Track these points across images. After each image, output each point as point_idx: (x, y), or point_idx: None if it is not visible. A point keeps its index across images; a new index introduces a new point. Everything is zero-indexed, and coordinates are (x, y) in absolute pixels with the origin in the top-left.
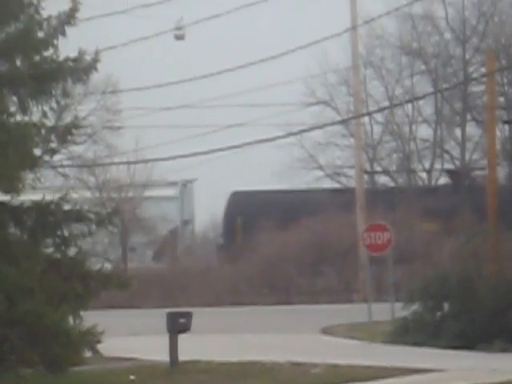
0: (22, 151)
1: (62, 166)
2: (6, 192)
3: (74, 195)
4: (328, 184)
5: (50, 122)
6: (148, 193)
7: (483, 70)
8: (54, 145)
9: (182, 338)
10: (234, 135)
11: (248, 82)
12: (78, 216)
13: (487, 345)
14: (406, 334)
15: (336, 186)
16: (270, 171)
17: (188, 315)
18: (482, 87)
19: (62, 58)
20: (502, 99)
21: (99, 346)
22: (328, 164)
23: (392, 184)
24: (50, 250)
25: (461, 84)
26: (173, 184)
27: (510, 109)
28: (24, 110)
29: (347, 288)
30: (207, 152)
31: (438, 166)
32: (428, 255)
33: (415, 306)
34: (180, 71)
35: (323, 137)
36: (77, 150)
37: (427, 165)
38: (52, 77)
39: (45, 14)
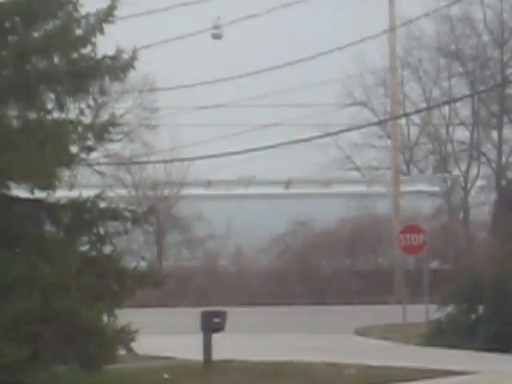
0: (59, 148)
1: (99, 163)
2: (43, 189)
3: (111, 193)
4: None
5: (86, 119)
6: (184, 192)
7: None
8: (90, 142)
9: (216, 338)
10: (268, 135)
11: (286, 82)
12: (113, 214)
13: None
14: (440, 335)
15: None
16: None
17: (222, 314)
18: None
19: (99, 55)
20: None
21: (133, 345)
22: (364, 165)
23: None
24: (86, 247)
25: (498, 86)
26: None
27: None
28: (61, 107)
29: (382, 290)
30: (240, 152)
31: (474, 168)
32: (464, 257)
33: (449, 308)
34: (216, 70)
35: (360, 138)
36: (113, 147)
37: (464, 167)
38: (89, 74)
39: (83, 11)
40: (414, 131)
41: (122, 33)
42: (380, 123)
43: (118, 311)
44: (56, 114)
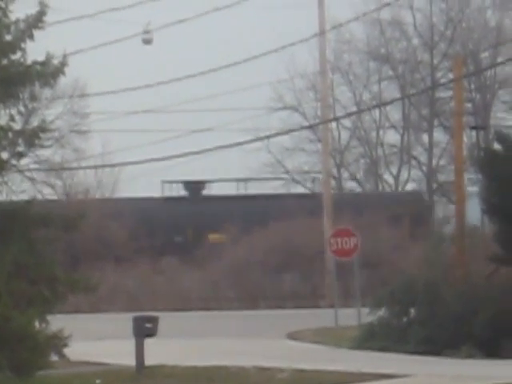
0: None
1: (30, 169)
2: None
3: (41, 199)
4: (295, 189)
5: (17, 125)
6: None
7: (451, 75)
8: (21, 148)
9: (149, 343)
10: (201, 140)
11: (215, 86)
12: (45, 220)
13: (453, 351)
14: (372, 339)
15: (303, 191)
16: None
17: (154, 320)
18: (449, 93)
19: (29, 61)
20: (469, 105)
21: (66, 350)
22: (295, 169)
23: (359, 189)
24: (17, 253)
25: (428, 90)
26: None
27: (478, 115)
28: None
29: (314, 293)
30: (167, 158)
31: (405, 171)
32: (395, 261)
33: (381, 312)
34: (147, 76)
35: (291, 142)
36: (44, 153)
37: (394, 170)
38: (19, 80)
39: (13, 17)
40: (344, 135)
41: (52, 39)
42: (310, 127)
43: (50, 317)
44: None
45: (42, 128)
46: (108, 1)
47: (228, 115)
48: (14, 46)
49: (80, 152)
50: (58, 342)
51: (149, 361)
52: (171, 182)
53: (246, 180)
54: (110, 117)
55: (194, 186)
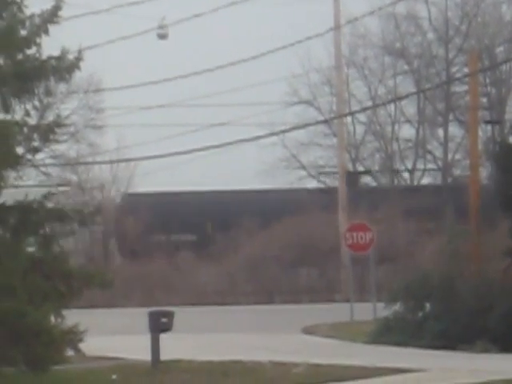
0: (4, 150)
1: (45, 164)
2: None
3: (57, 194)
4: (311, 184)
5: (32, 120)
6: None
7: (466, 70)
8: (36, 143)
9: (164, 338)
10: (215, 135)
11: (231, 81)
12: (60, 215)
13: (469, 345)
14: (387, 333)
15: (319, 185)
16: (254, 171)
17: (170, 314)
18: (464, 87)
19: (44, 56)
20: (484, 99)
21: (81, 345)
22: (310, 164)
23: (374, 184)
24: (33, 248)
25: (443, 84)
26: None
27: (493, 109)
28: (6, 108)
29: (329, 288)
30: (185, 152)
31: (420, 165)
32: (410, 255)
33: (397, 306)
34: (163, 70)
35: (306, 136)
36: (59, 148)
37: (409, 165)
38: (35, 75)
39: (28, 12)
40: (359, 129)
41: (68, 33)
42: (326, 122)
43: (65, 312)
44: (1, 116)
45: (58, 123)
46: None
47: (243, 110)
48: (30, 41)
49: (95, 147)
50: (73, 336)
51: (164, 356)
52: None
53: None
54: (126, 111)
55: None
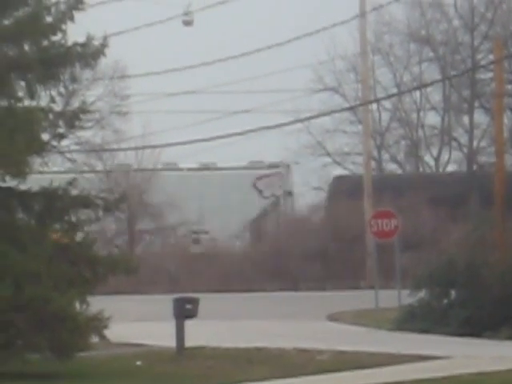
0: (30, 136)
1: (70, 151)
2: (14, 177)
3: (82, 180)
4: (336, 171)
5: (57, 106)
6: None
7: (491, 57)
8: (61, 130)
9: (189, 324)
10: (240, 122)
11: (255, 68)
12: (85, 201)
13: (493, 332)
14: (412, 320)
15: (344, 172)
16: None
17: (194, 301)
18: (490, 74)
19: (70, 43)
20: (510, 86)
21: (106, 332)
22: (336, 151)
23: (400, 171)
24: (58, 235)
25: (469, 71)
26: None
27: None
28: (32, 94)
29: (354, 275)
30: (210, 139)
31: (445, 153)
32: (435, 243)
33: (422, 293)
34: (188, 57)
35: (331, 123)
36: (84, 135)
37: (435, 152)
38: (60, 62)
39: None
40: (385, 116)
41: (93, 20)
42: (351, 109)
43: (90, 298)
44: (27, 102)
45: (83, 109)
46: None
47: (267, 97)
48: (55, 28)
49: (120, 133)
50: (98, 323)
51: (189, 342)
52: None
53: None
54: (151, 98)
55: None
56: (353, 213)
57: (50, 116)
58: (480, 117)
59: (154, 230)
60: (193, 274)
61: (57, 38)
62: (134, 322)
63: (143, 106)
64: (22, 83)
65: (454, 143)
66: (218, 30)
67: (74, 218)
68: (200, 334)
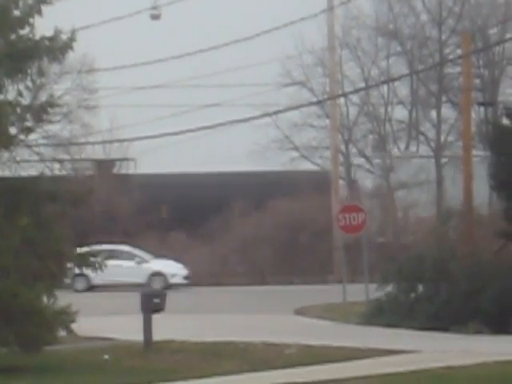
0: None
1: (38, 145)
2: None
3: (49, 175)
4: (303, 165)
5: (25, 100)
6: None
7: (459, 51)
8: (29, 123)
9: (156, 318)
10: (208, 115)
11: (223, 62)
12: (53, 196)
13: (461, 326)
14: (380, 315)
15: (311, 167)
16: (246, 152)
17: (162, 295)
18: (457, 69)
19: (37, 36)
20: (477, 81)
21: (75, 326)
22: (303, 145)
23: (367, 166)
24: (25, 229)
25: (436, 65)
26: None
27: (486, 91)
28: None
29: (322, 269)
30: (178, 133)
31: (413, 147)
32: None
33: (389, 288)
34: (155, 51)
35: (299, 118)
36: (52, 129)
37: (402, 146)
38: (28, 56)
39: None
40: (352, 111)
41: (61, 14)
42: (319, 103)
43: (57, 292)
44: None
45: (51, 103)
46: None
47: (236, 91)
48: (23, 22)
49: (88, 127)
50: (65, 317)
51: (157, 336)
52: None
53: None
54: (119, 92)
55: None
56: (320, 207)
57: (18, 110)
58: (448, 111)
59: None
60: None
61: (24, 31)
62: (103, 316)
63: (111, 99)
64: None
65: (421, 137)
66: (186, 24)
67: (41, 212)
68: (168, 327)
